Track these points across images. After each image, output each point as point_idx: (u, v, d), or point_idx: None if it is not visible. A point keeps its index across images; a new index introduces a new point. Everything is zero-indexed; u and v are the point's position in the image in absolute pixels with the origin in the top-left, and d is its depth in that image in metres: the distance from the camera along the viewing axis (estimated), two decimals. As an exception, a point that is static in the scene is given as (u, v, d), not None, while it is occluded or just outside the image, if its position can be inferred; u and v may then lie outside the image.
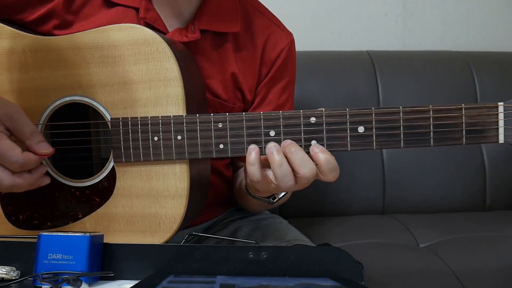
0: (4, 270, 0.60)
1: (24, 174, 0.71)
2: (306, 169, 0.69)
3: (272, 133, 0.72)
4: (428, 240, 1.27)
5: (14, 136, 0.71)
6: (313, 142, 0.71)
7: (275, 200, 0.84)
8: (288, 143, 0.70)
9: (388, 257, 1.17)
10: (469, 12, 1.75)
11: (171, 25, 0.89)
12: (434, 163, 1.50)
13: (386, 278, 1.05)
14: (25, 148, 0.71)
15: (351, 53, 1.61)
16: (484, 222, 1.40)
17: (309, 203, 1.47)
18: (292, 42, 0.99)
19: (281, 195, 0.84)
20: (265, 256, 0.62)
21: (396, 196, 1.49)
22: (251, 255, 0.62)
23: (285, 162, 0.69)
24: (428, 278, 1.07)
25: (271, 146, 0.70)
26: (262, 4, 0.99)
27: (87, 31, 0.77)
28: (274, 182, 0.71)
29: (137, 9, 0.86)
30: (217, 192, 0.99)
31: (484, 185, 1.51)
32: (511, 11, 1.77)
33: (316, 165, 0.69)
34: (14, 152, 0.68)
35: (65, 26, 0.86)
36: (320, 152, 0.69)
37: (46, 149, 0.72)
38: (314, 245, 0.92)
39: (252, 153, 0.71)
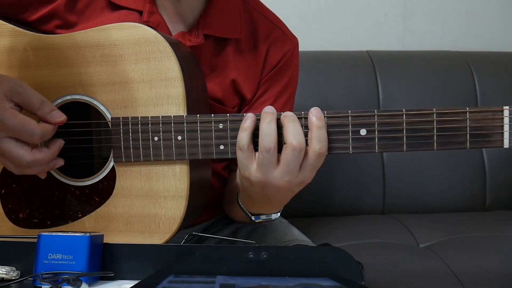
0: (4, 270, 0.60)
1: (43, 148, 0.71)
2: (295, 139, 0.66)
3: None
4: (428, 240, 1.27)
5: (24, 110, 0.70)
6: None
7: (257, 220, 0.84)
8: (290, 114, 0.69)
9: (388, 257, 1.17)
10: (469, 12, 1.76)
11: (175, 29, 0.88)
12: (434, 163, 1.50)
13: (386, 278, 1.05)
14: (38, 120, 0.70)
15: (351, 53, 1.61)
16: (484, 222, 1.41)
17: (309, 203, 1.47)
18: (295, 47, 0.98)
19: (273, 216, 0.83)
20: (265, 256, 0.62)
21: (396, 196, 1.50)
22: (251, 255, 0.62)
23: (274, 122, 0.67)
24: (428, 278, 1.08)
25: (269, 107, 0.69)
26: (266, 8, 0.98)
27: (88, 29, 0.77)
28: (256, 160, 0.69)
29: (140, 12, 0.86)
30: (217, 193, 0.99)
31: (484, 185, 1.52)
32: (511, 11, 1.77)
33: (307, 130, 0.68)
34: (31, 124, 0.68)
35: (67, 26, 0.85)
36: (316, 117, 0.67)
37: (59, 117, 0.71)
38: (314, 245, 0.92)
39: (248, 120, 0.69)
